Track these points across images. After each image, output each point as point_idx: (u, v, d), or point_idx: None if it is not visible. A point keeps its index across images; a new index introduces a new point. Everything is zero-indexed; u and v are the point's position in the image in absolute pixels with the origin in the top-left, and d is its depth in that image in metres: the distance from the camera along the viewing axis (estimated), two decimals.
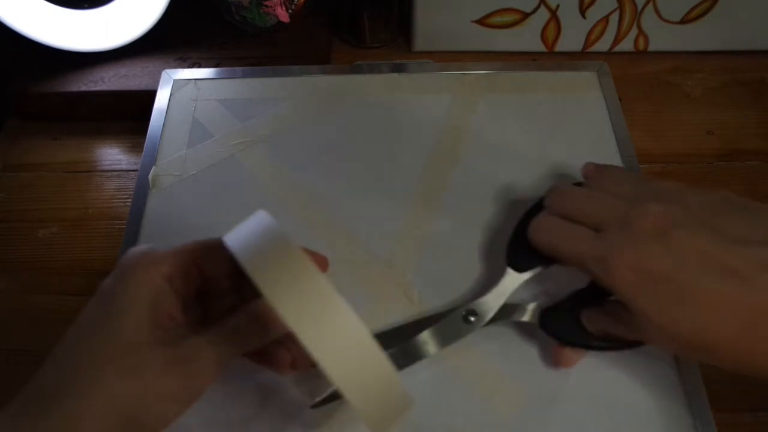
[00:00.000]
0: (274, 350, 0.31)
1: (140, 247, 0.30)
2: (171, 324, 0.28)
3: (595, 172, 0.35)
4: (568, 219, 0.33)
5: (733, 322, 0.27)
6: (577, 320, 0.33)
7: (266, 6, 0.53)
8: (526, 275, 0.34)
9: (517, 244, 0.35)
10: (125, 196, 0.48)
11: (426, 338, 0.34)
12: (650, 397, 0.34)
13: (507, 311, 0.34)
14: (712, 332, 0.27)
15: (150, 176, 0.42)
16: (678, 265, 0.28)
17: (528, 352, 0.35)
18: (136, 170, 0.44)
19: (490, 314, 0.34)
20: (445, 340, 0.33)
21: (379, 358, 0.24)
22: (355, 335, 0.23)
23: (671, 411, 0.33)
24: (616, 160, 0.42)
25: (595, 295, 0.32)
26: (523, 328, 0.36)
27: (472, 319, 0.34)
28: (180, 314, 0.29)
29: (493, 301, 0.34)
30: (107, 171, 0.50)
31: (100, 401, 0.25)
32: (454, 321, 0.34)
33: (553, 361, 0.34)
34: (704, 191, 0.31)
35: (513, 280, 0.34)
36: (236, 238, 0.26)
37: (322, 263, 0.36)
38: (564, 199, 0.34)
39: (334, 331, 0.23)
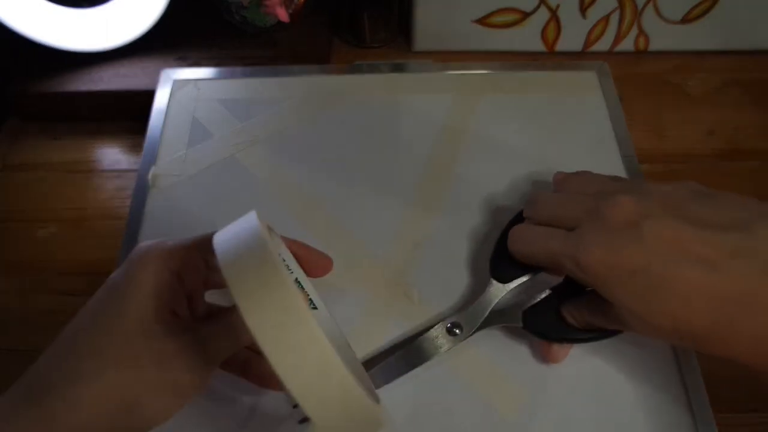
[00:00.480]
0: (253, 363, 0.31)
1: (150, 241, 0.30)
2: (174, 320, 0.28)
3: (564, 177, 0.36)
4: (543, 225, 0.33)
5: (707, 311, 0.27)
6: (558, 316, 0.33)
7: (266, 6, 0.53)
8: (510, 285, 0.34)
9: (498, 256, 0.35)
10: (125, 196, 0.48)
11: (410, 353, 0.34)
12: (651, 397, 0.33)
13: (491, 319, 0.34)
14: (688, 322, 0.27)
15: (150, 176, 0.42)
16: (650, 256, 0.28)
17: (527, 352, 0.35)
18: (136, 170, 0.44)
19: (475, 326, 0.34)
20: (428, 354, 0.33)
21: (343, 377, 0.23)
22: (320, 354, 0.23)
23: (672, 411, 0.33)
24: (616, 160, 0.42)
25: (573, 288, 0.33)
26: (516, 330, 0.36)
27: (457, 331, 0.34)
28: (184, 310, 0.29)
29: (478, 313, 0.34)
30: (107, 171, 0.50)
31: (99, 388, 0.25)
32: (438, 334, 0.34)
33: (542, 357, 0.34)
34: (671, 183, 0.31)
35: (497, 291, 0.34)
36: (223, 239, 0.26)
37: (325, 264, 0.36)
38: (536, 205, 0.34)
39: (300, 349, 0.22)
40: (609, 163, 0.42)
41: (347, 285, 0.37)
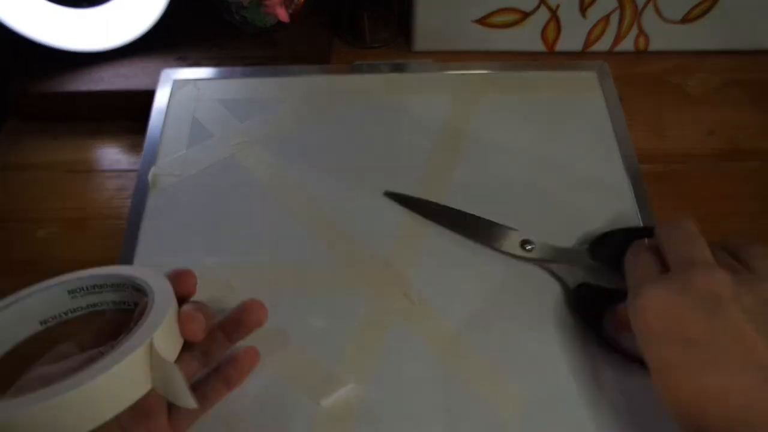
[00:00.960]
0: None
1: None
2: None
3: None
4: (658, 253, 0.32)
5: (731, 416, 0.26)
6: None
7: (266, 6, 0.53)
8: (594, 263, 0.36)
9: (610, 244, 0.37)
10: (125, 196, 0.48)
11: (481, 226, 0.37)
12: (652, 397, 0.33)
13: (563, 254, 0.37)
14: (704, 418, 0.26)
15: (150, 176, 0.42)
16: (711, 337, 0.26)
17: (528, 352, 0.35)
18: (136, 170, 0.44)
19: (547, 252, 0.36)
20: (493, 241, 0.37)
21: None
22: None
23: None
24: (616, 160, 0.42)
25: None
26: (525, 327, 0.36)
27: (528, 248, 0.37)
28: None
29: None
30: (107, 171, 0.50)
31: None
32: (511, 242, 0.37)
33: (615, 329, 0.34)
34: None
35: (582, 256, 0.37)
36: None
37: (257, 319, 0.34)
38: (669, 235, 0.32)
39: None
40: (609, 162, 0.42)
41: (347, 285, 0.37)
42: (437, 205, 0.40)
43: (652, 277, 0.30)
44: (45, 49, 0.50)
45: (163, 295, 0.29)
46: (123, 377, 0.25)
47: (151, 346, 0.26)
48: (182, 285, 0.31)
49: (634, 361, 0.33)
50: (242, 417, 0.33)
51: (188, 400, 0.27)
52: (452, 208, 0.39)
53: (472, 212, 0.40)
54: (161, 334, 0.27)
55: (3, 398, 0.25)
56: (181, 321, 0.29)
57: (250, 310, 0.33)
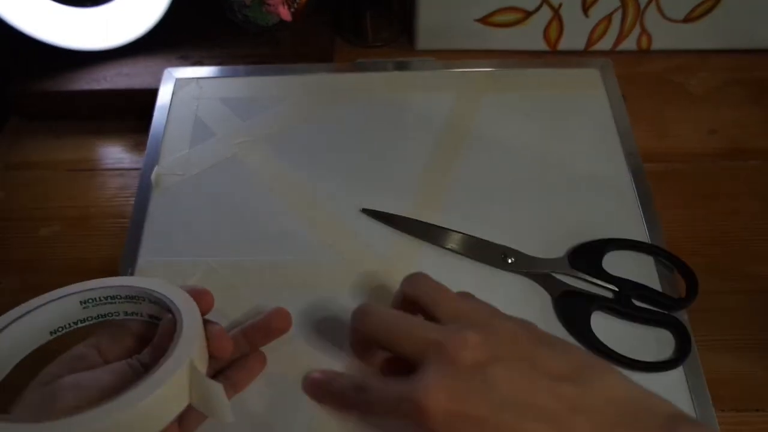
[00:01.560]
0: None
1: None
2: None
3: (414, 282, 0.33)
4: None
5: None
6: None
7: (268, 5, 0.53)
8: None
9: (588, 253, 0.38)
10: (127, 195, 0.48)
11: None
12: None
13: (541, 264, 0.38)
14: None
15: (153, 175, 0.42)
16: (495, 408, 0.27)
17: None
18: (139, 169, 0.44)
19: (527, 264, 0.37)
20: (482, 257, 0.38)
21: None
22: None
23: None
24: (618, 158, 0.42)
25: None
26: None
27: (510, 261, 0.37)
28: None
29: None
30: (109, 170, 0.50)
31: None
32: (492, 255, 0.38)
33: None
34: (511, 319, 0.30)
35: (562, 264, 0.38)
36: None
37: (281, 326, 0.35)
38: (370, 320, 0.31)
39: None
40: (611, 160, 0.42)
41: (349, 284, 0.38)
42: (419, 222, 0.40)
43: (408, 381, 0.28)
44: (47, 48, 0.50)
45: (189, 312, 0.30)
46: (168, 396, 0.26)
47: (191, 364, 0.27)
48: (202, 304, 0.32)
49: (621, 362, 0.34)
50: (244, 416, 0.33)
51: (227, 416, 0.27)
52: (435, 226, 0.39)
53: (473, 212, 0.40)
54: (197, 351, 0.28)
55: (47, 414, 0.25)
56: (213, 338, 0.30)
57: (277, 317, 0.34)
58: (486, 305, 0.32)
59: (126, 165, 0.50)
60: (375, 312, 0.31)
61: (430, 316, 0.31)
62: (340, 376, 0.34)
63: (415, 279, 0.32)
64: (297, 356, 0.35)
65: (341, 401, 0.33)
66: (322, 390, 0.33)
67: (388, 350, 0.31)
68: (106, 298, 0.32)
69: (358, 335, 0.33)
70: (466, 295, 0.33)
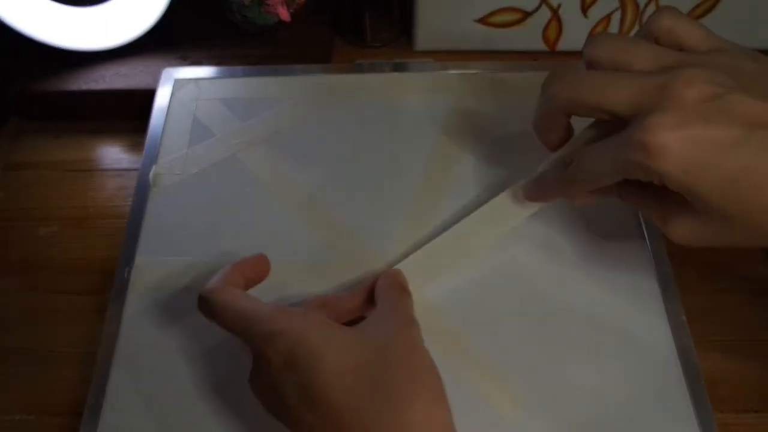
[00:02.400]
0: None
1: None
2: None
3: (598, 42, 0.29)
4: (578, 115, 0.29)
5: None
6: None
7: (267, 5, 0.53)
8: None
9: None
10: (126, 195, 0.48)
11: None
12: (651, 397, 0.33)
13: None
14: None
15: (151, 175, 0.42)
16: (744, 133, 0.24)
17: (529, 351, 0.35)
18: (137, 169, 0.44)
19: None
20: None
21: None
22: None
23: (673, 412, 0.33)
24: None
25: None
26: (524, 326, 0.36)
27: None
28: None
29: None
30: (108, 170, 0.50)
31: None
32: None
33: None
34: (725, 47, 0.28)
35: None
36: None
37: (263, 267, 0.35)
38: (567, 85, 0.29)
39: None
40: None
41: (348, 284, 0.37)
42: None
43: (631, 132, 0.26)
44: (46, 48, 0.50)
45: None
46: None
47: None
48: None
49: None
50: (243, 419, 0.33)
51: None
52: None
53: (471, 211, 0.40)
54: None
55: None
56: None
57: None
58: (701, 31, 0.28)
59: (124, 165, 0.50)
60: (572, 73, 0.29)
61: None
62: (545, 172, 0.33)
63: (598, 37, 0.29)
64: None
65: (553, 189, 0.32)
66: (538, 189, 0.33)
67: (594, 114, 0.28)
68: None
69: (552, 105, 0.30)
70: (677, 23, 0.29)
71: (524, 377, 0.34)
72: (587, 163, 0.29)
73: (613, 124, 0.28)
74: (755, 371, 0.38)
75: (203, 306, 0.31)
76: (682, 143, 0.24)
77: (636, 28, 0.55)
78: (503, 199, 0.37)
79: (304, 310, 0.31)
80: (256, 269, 0.34)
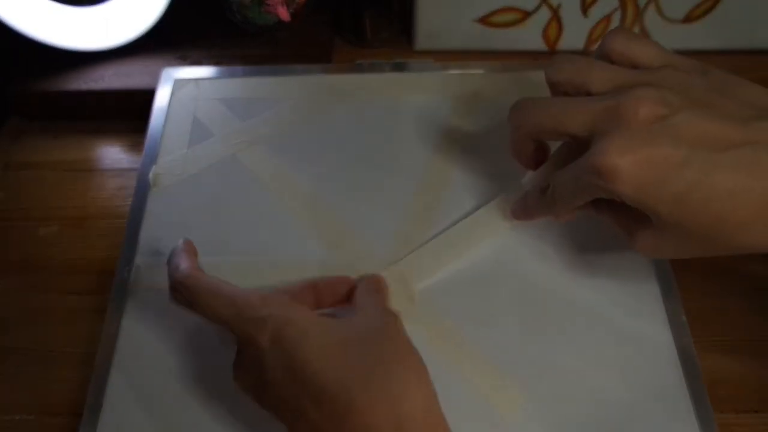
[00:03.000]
0: None
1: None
2: None
3: (558, 67, 0.32)
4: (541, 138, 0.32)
5: (750, 205, 0.26)
6: None
7: (267, 5, 0.53)
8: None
9: None
10: (126, 195, 0.48)
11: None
12: (651, 397, 0.33)
13: None
14: (731, 219, 0.26)
15: (150, 175, 0.42)
16: (690, 151, 0.26)
17: (528, 351, 0.35)
18: (137, 169, 0.44)
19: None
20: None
21: None
22: None
23: (673, 412, 0.33)
24: None
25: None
26: (524, 326, 0.36)
27: None
28: None
29: None
30: (108, 170, 0.50)
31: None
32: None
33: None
34: (678, 61, 0.30)
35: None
36: None
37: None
38: (528, 115, 0.32)
39: None
40: None
41: None
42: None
43: (588, 156, 0.28)
44: (45, 48, 0.50)
45: None
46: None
47: None
48: None
49: None
50: (243, 419, 0.33)
51: None
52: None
53: (472, 211, 0.40)
54: None
55: None
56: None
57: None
58: (652, 49, 0.31)
59: (124, 165, 0.50)
60: (531, 103, 0.31)
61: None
62: (527, 193, 0.35)
63: (558, 62, 0.32)
64: None
65: (535, 210, 0.35)
66: (523, 210, 0.36)
67: (558, 138, 0.31)
68: None
69: (519, 134, 0.33)
70: (628, 44, 0.31)
71: (524, 377, 0.34)
72: (559, 188, 0.31)
73: (578, 144, 0.30)
74: (755, 371, 0.38)
75: (179, 292, 0.30)
76: (632, 164, 0.26)
77: (636, 28, 0.55)
78: (499, 203, 0.39)
79: (290, 297, 0.31)
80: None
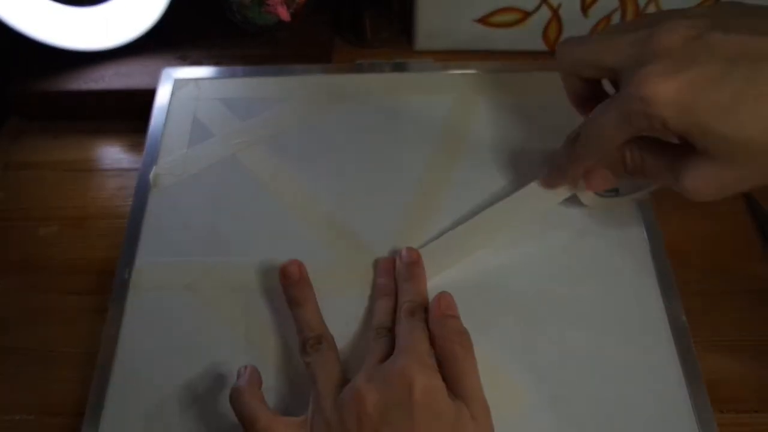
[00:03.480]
0: None
1: None
2: None
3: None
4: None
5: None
6: None
7: (267, 5, 0.53)
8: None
9: None
10: (126, 195, 0.48)
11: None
12: (651, 397, 0.33)
13: None
14: None
15: (151, 175, 0.42)
16: (729, 65, 0.26)
17: (528, 351, 0.35)
18: (137, 169, 0.44)
19: None
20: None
21: None
22: None
23: (673, 412, 0.33)
24: None
25: None
26: (524, 326, 0.36)
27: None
28: None
29: None
30: (108, 170, 0.50)
31: None
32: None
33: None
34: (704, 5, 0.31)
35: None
36: None
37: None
38: (569, 51, 0.33)
39: None
40: None
41: (347, 285, 0.38)
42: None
43: (624, 90, 0.29)
44: (46, 48, 0.50)
45: None
46: None
47: None
48: None
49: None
50: None
51: None
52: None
53: (472, 212, 0.40)
54: None
55: None
56: None
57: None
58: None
59: (124, 165, 0.50)
60: (574, 40, 0.32)
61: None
62: (556, 151, 0.36)
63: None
64: (297, 357, 0.35)
65: (567, 166, 0.34)
66: (553, 170, 0.36)
67: (596, 74, 0.32)
68: None
69: (562, 70, 0.34)
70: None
71: (524, 377, 0.34)
72: (593, 128, 0.31)
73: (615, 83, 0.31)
74: (755, 371, 0.38)
75: (230, 395, 0.32)
76: (674, 87, 0.27)
77: None
78: (526, 192, 0.38)
79: (301, 422, 0.31)
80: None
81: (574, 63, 0.33)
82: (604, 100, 0.31)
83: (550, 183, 0.37)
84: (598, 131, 0.31)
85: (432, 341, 0.32)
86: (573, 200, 0.39)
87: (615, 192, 0.39)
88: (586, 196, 0.38)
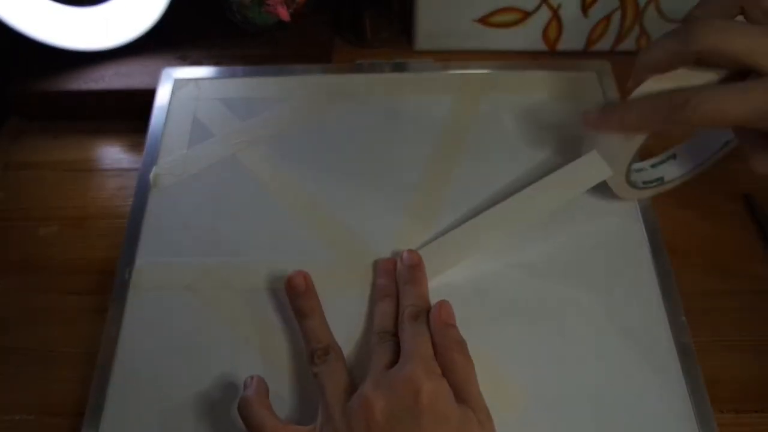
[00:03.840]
0: None
1: None
2: None
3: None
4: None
5: None
6: None
7: (267, 5, 0.53)
8: None
9: None
10: (126, 195, 0.48)
11: None
12: (651, 397, 0.33)
13: None
14: None
15: (151, 175, 0.42)
16: None
17: (528, 351, 0.35)
18: (137, 169, 0.44)
19: None
20: None
21: None
22: None
23: (673, 412, 0.33)
24: None
25: None
26: (524, 326, 0.36)
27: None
28: None
29: None
30: (108, 170, 0.50)
31: None
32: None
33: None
34: None
35: None
36: None
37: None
38: (703, 31, 0.31)
39: None
40: None
41: (348, 285, 0.38)
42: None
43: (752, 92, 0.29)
44: (46, 48, 0.50)
45: None
46: None
47: None
48: None
49: None
50: None
51: None
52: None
53: (472, 212, 0.40)
54: None
55: None
56: None
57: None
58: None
59: (124, 165, 0.50)
60: (719, 23, 0.30)
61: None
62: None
63: (693, 29, 0.31)
64: (297, 357, 0.35)
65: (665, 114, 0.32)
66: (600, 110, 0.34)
67: (717, 58, 0.30)
68: None
69: (687, 47, 0.31)
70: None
71: (524, 377, 0.34)
72: (712, 98, 0.30)
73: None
74: (755, 371, 0.38)
75: (239, 405, 0.32)
76: None
77: (636, 28, 0.55)
78: (527, 193, 0.38)
79: (310, 431, 0.31)
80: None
81: (713, 48, 0.30)
82: (721, 84, 0.30)
83: (589, 120, 0.35)
84: (711, 104, 0.30)
85: (432, 348, 0.32)
86: (573, 201, 0.39)
87: (660, 181, 0.40)
88: (621, 187, 0.38)
